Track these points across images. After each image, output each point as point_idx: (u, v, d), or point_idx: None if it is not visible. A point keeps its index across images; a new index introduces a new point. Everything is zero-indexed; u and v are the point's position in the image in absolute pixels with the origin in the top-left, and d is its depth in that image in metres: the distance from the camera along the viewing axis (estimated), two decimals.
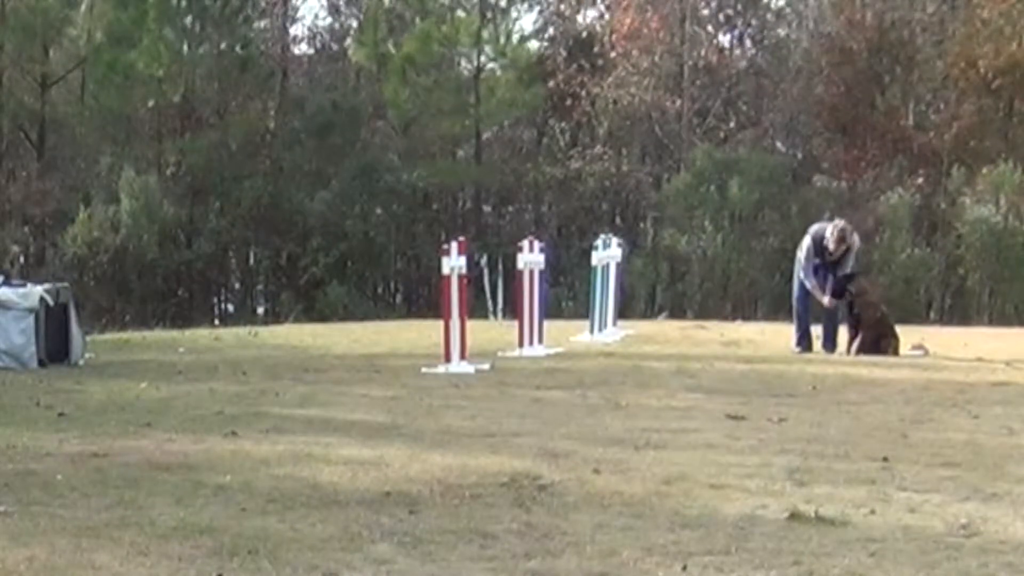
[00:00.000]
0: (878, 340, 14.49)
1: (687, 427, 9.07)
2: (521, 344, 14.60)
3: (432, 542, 5.91)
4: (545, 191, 38.91)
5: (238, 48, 36.86)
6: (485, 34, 36.56)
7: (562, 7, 40.43)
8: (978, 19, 34.93)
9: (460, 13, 37.42)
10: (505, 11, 37.85)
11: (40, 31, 35.65)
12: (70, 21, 36.40)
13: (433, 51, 36.28)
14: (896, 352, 14.45)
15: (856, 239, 15.22)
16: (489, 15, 37.26)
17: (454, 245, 13.40)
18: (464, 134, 38.10)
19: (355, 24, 41.20)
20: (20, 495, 6.85)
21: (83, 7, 36.08)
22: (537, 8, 39.63)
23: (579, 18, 40.65)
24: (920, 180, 34.71)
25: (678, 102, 37.73)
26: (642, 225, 38.60)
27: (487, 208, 39.39)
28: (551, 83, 37.28)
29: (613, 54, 37.66)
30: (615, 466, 7.53)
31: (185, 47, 36.59)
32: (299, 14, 43.56)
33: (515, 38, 37.94)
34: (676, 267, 35.31)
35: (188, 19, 36.58)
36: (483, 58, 37.00)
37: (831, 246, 14.76)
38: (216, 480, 7.19)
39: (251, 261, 37.75)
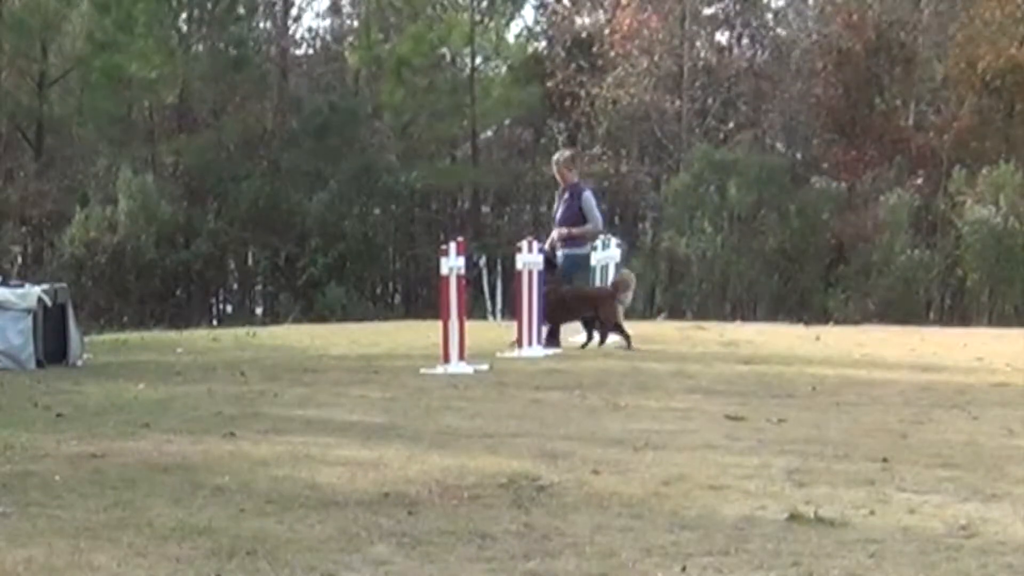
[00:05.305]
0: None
1: (686, 428, 9.06)
2: (520, 345, 14.58)
3: (431, 543, 5.90)
4: (544, 191, 38.90)
5: (231, 48, 36.84)
6: (478, 34, 36.53)
7: (560, 6, 40.40)
8: (978, 20, 34.95)
9: (453, 13, 37.43)
10: (495, 10, 37.83)
11: (38, 31, 35.65)
12: (68, 21, 36.39)
13: (426, 53, 36.29)
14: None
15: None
16: (479, 15, 37.26)
17: (452, 246, 13.36)
18: (461, 135, 38.12)
19: (353, 25, 41.24)
20: (18, 496, 6.84)
21: (79, 8, 36.06)
22: (531, 6, 39.68)
23: (578, 18, 40.65)
24: (920, 181, 34.75)
25: (677, 102, 37.74)
26: (641, 226, 38.62)
27: (485, 209, 39.42)
28: (550, 83, 37.28)
29: (612, 54, 37.66)
30: (614, 467, 7.51)
31: (178, 48, 36.59)
32: (299, 15, 43.57)
33: (509, 37, 37.99)
34: (675, 268, 35.31)
35: (180, 20, 36.58)
36: (477, 59, 37.01)
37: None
38: (214, 481, 7.17)
39: (249, 262, 37.75)
